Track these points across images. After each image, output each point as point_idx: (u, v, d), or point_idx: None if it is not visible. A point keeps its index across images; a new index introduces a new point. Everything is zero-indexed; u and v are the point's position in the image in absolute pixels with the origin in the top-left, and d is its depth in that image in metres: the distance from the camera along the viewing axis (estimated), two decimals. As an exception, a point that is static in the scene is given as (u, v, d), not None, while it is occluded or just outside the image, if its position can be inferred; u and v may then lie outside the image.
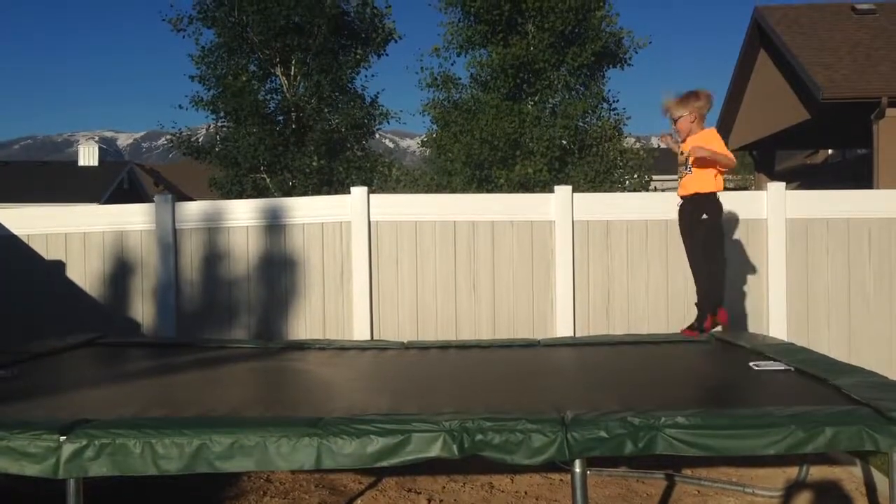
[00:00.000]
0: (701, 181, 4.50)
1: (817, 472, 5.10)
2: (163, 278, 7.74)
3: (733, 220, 7.54)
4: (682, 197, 4.70)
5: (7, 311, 7.70)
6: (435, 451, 3.54)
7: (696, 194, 4.52)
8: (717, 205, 4.49)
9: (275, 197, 15.47)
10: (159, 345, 6.89)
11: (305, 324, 7.69)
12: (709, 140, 4.53)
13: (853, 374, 4.62)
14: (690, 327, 5.04)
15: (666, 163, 32.59)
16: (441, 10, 17.52)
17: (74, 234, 7.88)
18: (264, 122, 17.26)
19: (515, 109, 16.18)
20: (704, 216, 4.49)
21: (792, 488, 4.93)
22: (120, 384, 5.20)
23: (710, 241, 4.49)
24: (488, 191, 15.95)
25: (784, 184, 7.78)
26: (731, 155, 4.53)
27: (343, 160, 17.78)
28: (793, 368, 4.77)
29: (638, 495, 4.93)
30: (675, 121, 4.62)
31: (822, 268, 7.51)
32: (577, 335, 7.35)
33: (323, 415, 3.80)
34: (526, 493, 4.96)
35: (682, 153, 4.67)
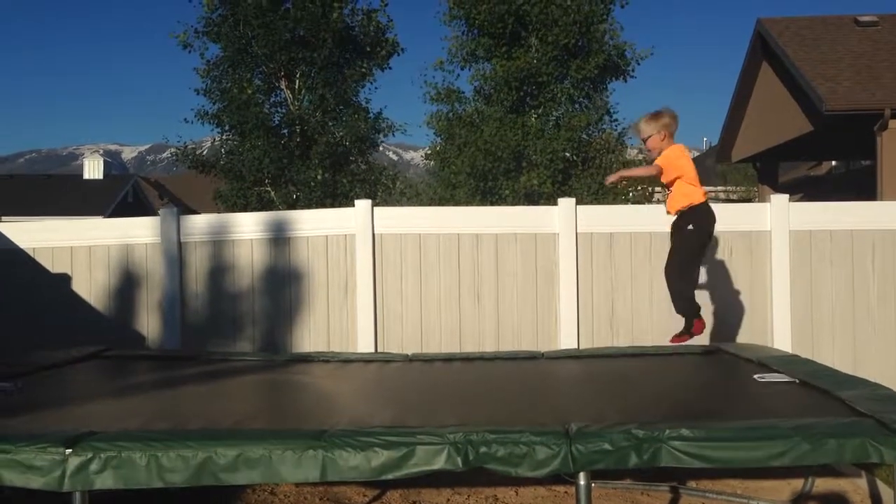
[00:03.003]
0: (680, 196, 4.52)
1: (822, 485, 5.09)
2: (168, 291, 7.76)
3: (736, 232, 7.55)
4: (673, 213, 4.72)
5: (12, 324, 7.72)
6: (439, 463, 3.55)
7: (682, 209, 4.54)
8: (705, 215, 4.48)
9: (279, 210, 15.51)
10: (164, 357, 6.90)
11: (310, 336, 7.70)
12: (668, 155, 4.58)
13: (858, 386, 4.62)
14: (678, 335, 5.03)
15: (669, 175, 32.56)
16: (445, 23, 17.62)
17: (80, 247, 7.91)
18: (269, 136, 17.32)
19: (519, 122, 16.23)
20: (690, 227, 4.49)
21: (797, 500, 4.92)
22: (125, 397, 5.21)
23: (685, 251, 4.48)
24: (492, 203, 15.97)
25: (787, 195, 7.79)
26: (679, 164, 4.50)
27: (347, 173, 17.83)
28: (796, 380, 4.77)
29: (643, 508, 4.92)
30: (645, 140, 4.68)
31: (826, 280, 7.51)
32: (581, 347, 7.35)
33: (327, 427, 3.81)
34: (530, 505, 4.96)
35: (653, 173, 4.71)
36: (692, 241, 4.45)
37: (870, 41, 16.17)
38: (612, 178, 4.67)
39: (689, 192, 4.52)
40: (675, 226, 4.53)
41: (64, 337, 7.49)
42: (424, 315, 7.62)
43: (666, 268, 4.60)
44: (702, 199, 4.47)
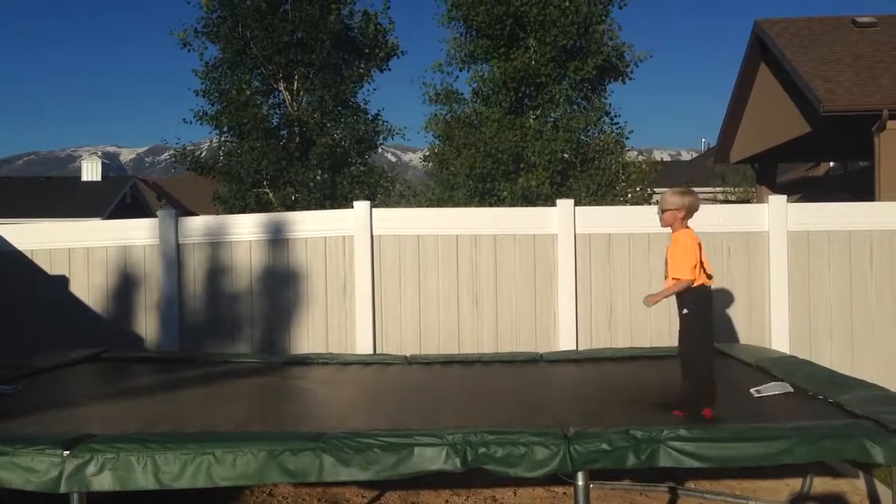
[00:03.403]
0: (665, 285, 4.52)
1: (821, 485, 5.09)
2: (166, 292, 7.76)
3: (734, 232, 7.56)
4: None
5: (11, 326, 7.72)
6: (438, 464, 3.55)
7: (679, 301, 4.53)
8: (700, 298, 4.44)
9: (278, 211, 15.50)
10: (163, 359, 6.91)
11: (308, 337, 7.70)
12: (673, 243, 4.57)
13: (856, 387, 4.63)
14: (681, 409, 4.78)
15: (668, 177, 32.60)
16: (443, 25, 17.60)
17: (78, 248, 7.91)
18: (267, 137, 17.29)
19: (517, 123, 16.21)
20: (685, 311, 4.48)
21: (795, 500, 4.93)
22: (123, 399, 5.22)
23: (689, 335, 4.45)
24: (491, 204, 15.96)
25: (785, 196, 7.80)
26: (679, 266, 4.46)
27: (346, 175, 17.79)
28: (793, 390, 4.78)
29: (641, 509, 4.93)
30: (664, 210, 4.67)
31: (824, 280, 7.52)
32: (580, 348, 7.35)
33: (326, 429, 3.81)
34: (529, 506, 4.96)
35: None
36: (693, 323, 4.44)
37: (868, 42, 16.17)
38: (653, 300, 4.63)
39: (668, 285, 4.49)
40: (678, 307, 4.54)
41: (62, 338, 7.50)
42: (423, 316, 7.62)
43: (679, 346, 4.56)
44: (699, 282, 4.44)
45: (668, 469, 3.54)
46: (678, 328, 4.61)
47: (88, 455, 3.47)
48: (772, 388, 4.85)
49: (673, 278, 4.49)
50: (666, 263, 4.64)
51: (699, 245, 4.58)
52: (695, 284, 4.47)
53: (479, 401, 5.23)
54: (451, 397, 5.33)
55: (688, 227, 4.66)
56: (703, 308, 4.52)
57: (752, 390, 4.85)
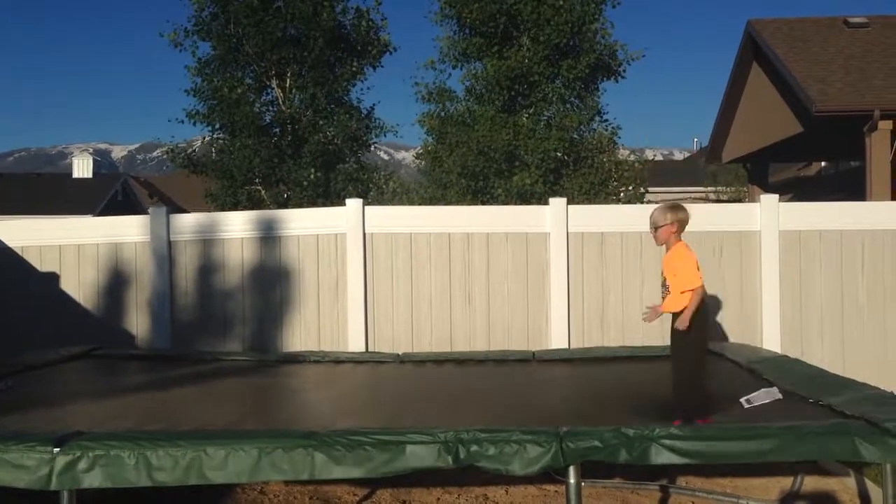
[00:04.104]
0: (677, 301, 4.50)
1: (811, 483, 5.10)
2: (158, 290, 7.73)
3: (726, 232, 7.58)
4: (668, 313, 4.68)
5: (1, 323, 7.68)
6: (430, 462, 3.55)
7: (677, 312, 4.52)
8: (699, 320, 4.45)
9: (270, 209, 15.47)
10: (154, 357, 6.89)
11: (300, 335, 7.68)
12: (674, 256, 4.57)
13: (847, 387, 4.65)
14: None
15: (660, 175, 32.64)
16: (437, 23, 17.59)
17: (69, 245, 7.88)
18: (260, 134, 17.24)
19: (510, 121, 16.22)
20: (684, 328, 4.48)
21: (786, 499, 4.94)
22: (114, 396, 5.20)
23: (686, 353, 4.44)
24: (483, 203, 15.97)
25: (777, 196, 7.82)
26: (689, 277, 4.46)
27: (339, 172, 17.77)
28: (782, 397, 4.78)
29: (633, 507, 4.93)
30: (657, 228, 4.68)
31: (816, 279, 7.54)
32: (572, 346, 7.35)
33: (318, 427, 3.80)
34: (521, 504, 4.96)
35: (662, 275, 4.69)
36: (691, 342, 4.43)
37: (860, 42, 16.21)
38: (651, 318, 4.62)
39: (683, 299, 4.47)
40: (672, 328, 4.51)
41: (53, 335, 7.47)
42: (415, 314, 7.61)
43: (672, 360, 4.55)
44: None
45: (660, 467, 3.54)
46: (671, 338, 4.59)
47: (79, 452, 3.45)
48: (761, 397, 4.85)
49: (688, 290, 4.47)
50: (664, 280, 4.63)
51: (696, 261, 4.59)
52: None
53: (472, 399, 5.23)
54: (443, 395, 5.33)
55: (681, 241, 4.67)
56: (700, 326, 4.52)
57: (741, 400, 4.84)
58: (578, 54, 16.64)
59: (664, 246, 4.75)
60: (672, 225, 4.64)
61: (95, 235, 7.91)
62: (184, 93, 17.75)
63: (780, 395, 4.82)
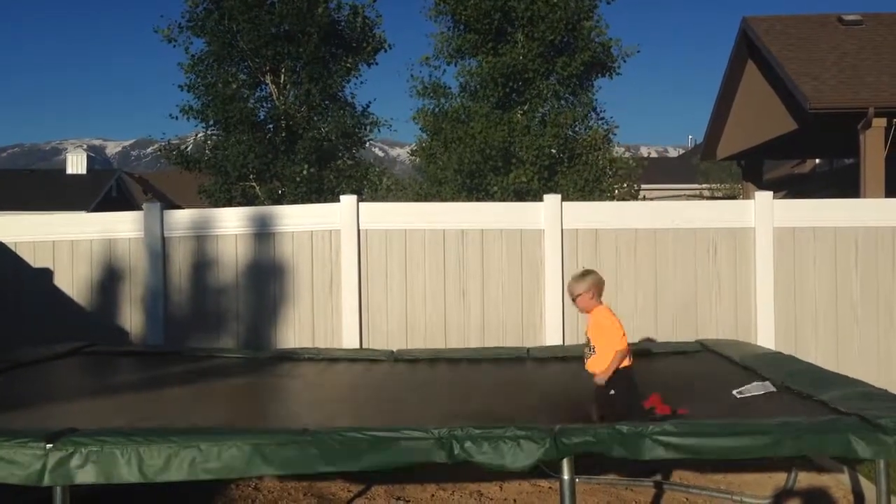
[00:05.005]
0: (603, 361, 4.53)
1: (805, 480, 5.11)
2: (151, 286, 7.71)
3: (721, 228, 7.59)
4: (594, 373, 4.70)
5: (-6, 319, 7.66)
6: (424, 457, 3.54)
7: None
8: (625, 380, 4.48)
9: (264, 205, 15.45)
10: (147, 353, 6.87)
11: (294, 332, 7.67)
12: (600, 320, 4.61)
13: (840, 383, 4.65)
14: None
15: (655, 172, 32.66)
16: (431, 20, 17.58)
17: (62, 241, 7.86)
18: (254, 131, 17.22)
19: (505, 118, 16.21)
20: (612, 392, 4.50)
21: (780, 495, 4.94)
22: (108, 393, 5.18)
23: (609, 414, 4.46)
24: (479, 199, 15.96)
25: (771, 193, 7.82)
26: (614, 339, 4.51)
27: (333, 169, 17.76)
28: (774, 390, 4.79)
29: (626, 503, 4.94)
30: (575, 299, 4.73)
31: (810, 276, 7.55)
32: (567, 343, 7.35)
33: (312, 422, 3.79)
34: (515, 500, 4.96)
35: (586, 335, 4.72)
36: (617, 405, 4.46)
37: (854, 40, 16.22)
38: (604, 376, 4.64)
39: (610, 360, 4.51)
40: (596, 388, 4.52)
41: (46, 331, 7.44)
42: (410, 310, 7.60)
43: (595, 417, 4.56)
44: (626, 364, 4.49)
45: (653, 464, 3.54)
46: (595, 394, 4.60)
47: (72, 448, 3.44)
48: (754, 389, 4.85)
49: (615, 350, 4.53)
50: (588, 341, 4.67)
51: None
52: (623, 364, 4.54)
53: (466, 395, 5.23)
54: (437, 391, 5.33)
55: (601, 304, 4.73)
56: (627, 388, 4.56)
57: (734, 392, 4.85)
58: (573, 51, 16.65)
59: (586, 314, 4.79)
60: (588, 291, 4.73)
61: (89, 231, 7.89)
62: (178, 88, 17.72)
63: (773, 389, 4.83)
